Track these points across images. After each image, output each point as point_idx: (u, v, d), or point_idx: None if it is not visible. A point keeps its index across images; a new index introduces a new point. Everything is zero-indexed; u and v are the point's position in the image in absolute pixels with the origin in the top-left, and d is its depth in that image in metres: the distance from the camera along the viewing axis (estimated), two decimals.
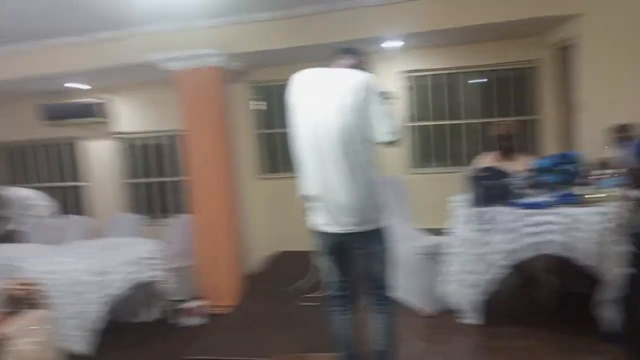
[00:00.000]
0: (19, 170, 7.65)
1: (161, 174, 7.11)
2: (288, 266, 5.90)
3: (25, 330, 3.46)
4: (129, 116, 7.04)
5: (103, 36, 5.24)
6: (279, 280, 5.41)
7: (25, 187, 7.11)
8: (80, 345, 4.35)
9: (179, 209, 6.88)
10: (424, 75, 6.21)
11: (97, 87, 6.88)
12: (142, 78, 6.45)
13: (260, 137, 6.68)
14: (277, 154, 6.69)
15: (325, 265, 2.79)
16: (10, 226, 6.61)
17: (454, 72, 6.13)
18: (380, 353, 2.81)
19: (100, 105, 6.91)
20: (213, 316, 5.00)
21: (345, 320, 2.85)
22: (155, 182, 7.15)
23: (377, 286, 2.77)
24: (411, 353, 3.43)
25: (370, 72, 2.64)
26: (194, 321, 5.00)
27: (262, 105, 6.63)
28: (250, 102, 6.53)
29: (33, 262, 4.64)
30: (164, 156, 7.09)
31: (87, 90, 6.91)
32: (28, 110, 7.16)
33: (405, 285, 3.77)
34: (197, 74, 5.12)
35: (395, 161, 6.04)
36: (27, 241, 6.17)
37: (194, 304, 5.11)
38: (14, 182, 7.45)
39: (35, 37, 5.30)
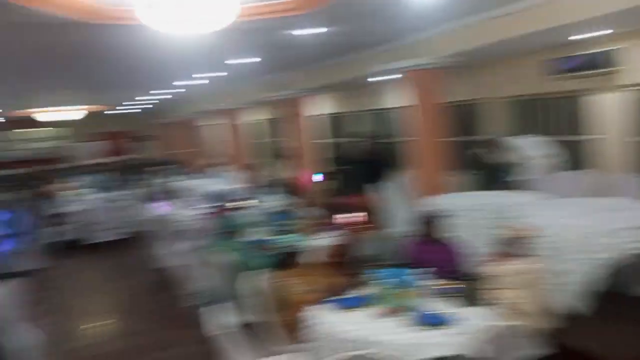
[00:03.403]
0: (527, 123, 7.81)
1: None
2: None
3: (514, 274, 3.45)
4: None
5: None
6: None
7: (531, 138, 7.21)
8: (574, 303, 4.11)
9: None
10: None
11: (604, 36, 6.16)
12: None
13: None
14: None
15: None
16: (515, 174, 6.84)
17: None
18: None
19: (610, 54, 6.23)
20: None
21: None
22: None
23: None
24: None
25: None
26: None
27: None
28: None
29: (533, 212, 4.60)
30: None
31: (592, 40, 6.31)
32: (531, 65, 7.26)
33: None
34: None
35: None
36: (529, 190, 6.22)
37: None
38: (521, 133, 7.66)
39: None
